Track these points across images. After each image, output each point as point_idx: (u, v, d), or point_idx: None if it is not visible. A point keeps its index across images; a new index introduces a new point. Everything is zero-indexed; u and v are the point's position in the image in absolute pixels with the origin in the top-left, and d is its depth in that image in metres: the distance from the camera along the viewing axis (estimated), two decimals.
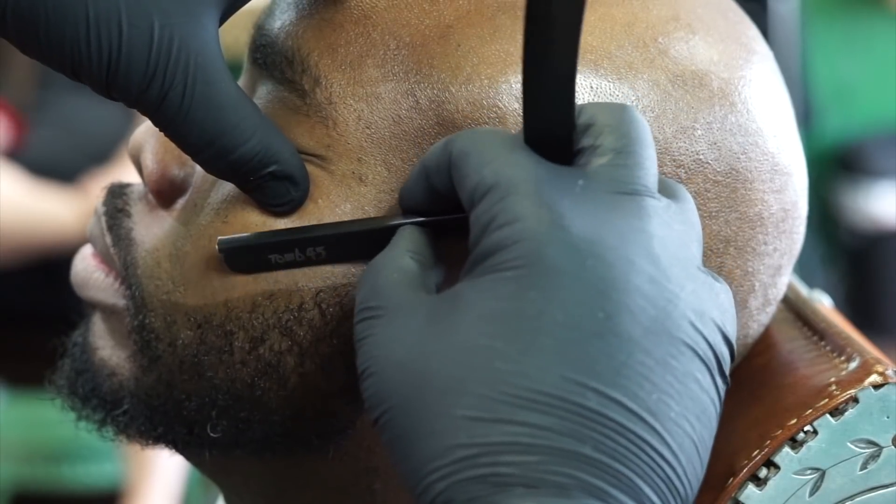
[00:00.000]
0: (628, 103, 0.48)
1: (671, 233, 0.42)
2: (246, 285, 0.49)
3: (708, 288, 0.42)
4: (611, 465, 0.39)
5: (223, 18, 0.47)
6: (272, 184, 0.48)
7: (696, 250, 0.43)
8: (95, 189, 0.53)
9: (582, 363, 0.39)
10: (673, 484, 0.40)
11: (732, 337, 0.43)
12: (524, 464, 0.38)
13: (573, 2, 0.40)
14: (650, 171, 0.42)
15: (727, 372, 0.42)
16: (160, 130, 0.47)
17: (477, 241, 0.42)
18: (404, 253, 0.45)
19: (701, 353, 0.41)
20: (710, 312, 0.41)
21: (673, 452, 0.40)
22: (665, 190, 0.44)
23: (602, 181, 0.42)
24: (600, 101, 0.48)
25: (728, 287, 0.44)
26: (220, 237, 0.49)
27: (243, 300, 0.49)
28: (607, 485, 0.39)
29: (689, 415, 0.40)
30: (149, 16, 0.44)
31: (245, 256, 0.48)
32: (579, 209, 0.41)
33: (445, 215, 0.46)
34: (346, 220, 0.48)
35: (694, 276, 0.42)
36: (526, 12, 0.40)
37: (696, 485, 0.41)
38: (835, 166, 2.88)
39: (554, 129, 0.43)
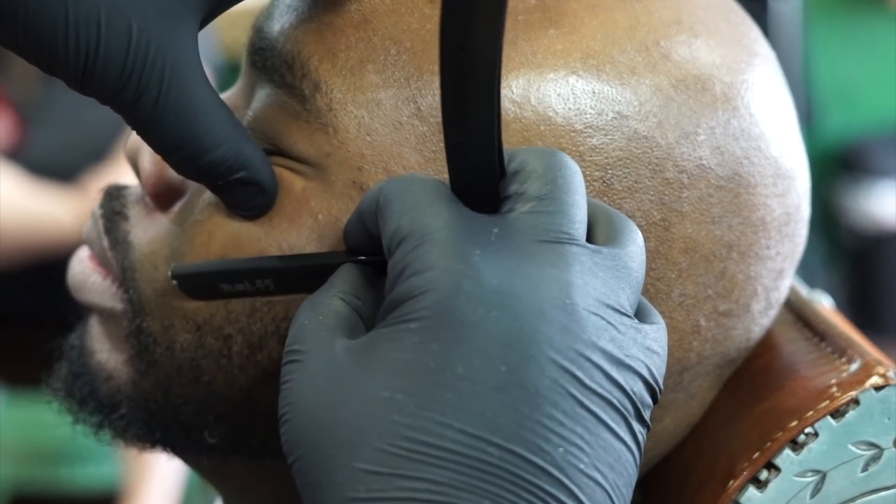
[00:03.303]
0: (631, 108, 0.48)
1: (594, 280, 0.41)
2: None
3: (633, 334, 0.41)
4: None
5: (203, 23, 0.47)
6: (239, 189, 0.48)
7: (625, 297, 0.42)
8: (95, 188, 0.54)
9: (482, 417, 0.38)
10: None
11: (658, 379, 0.42)
12: None
13: (488, 56, 0.39)
14: (575, 218, 0.42)
15: (647, 417, 0.42)
16: (132, 129, 0.47)
17: (390, 290, 0.41)
18: (335, 294, 0.44)
19: (616, 402, 0.40)
20: (632, 360, 0.41)
21: None
22: (604, 234, 0.43)
23: (521, 229, 0.41)
24: (602, 105, 0.47)
25: (663, 326, 0.43)
26: (174, 263, 0.49)
27: (242, 303, 0.49)
28: None
29: (600, 465, 0.40)
30: (127, 19, 0.44)
31: (197, 284, 0.49)
32: (491, 259, 0.40)
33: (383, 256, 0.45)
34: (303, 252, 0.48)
35: (617, 324, 0.41)
36: (440, 65, 0.40)
37: None
38: (836, 166, 2.88)
39: (478, 177, 0.42)
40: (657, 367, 0.42)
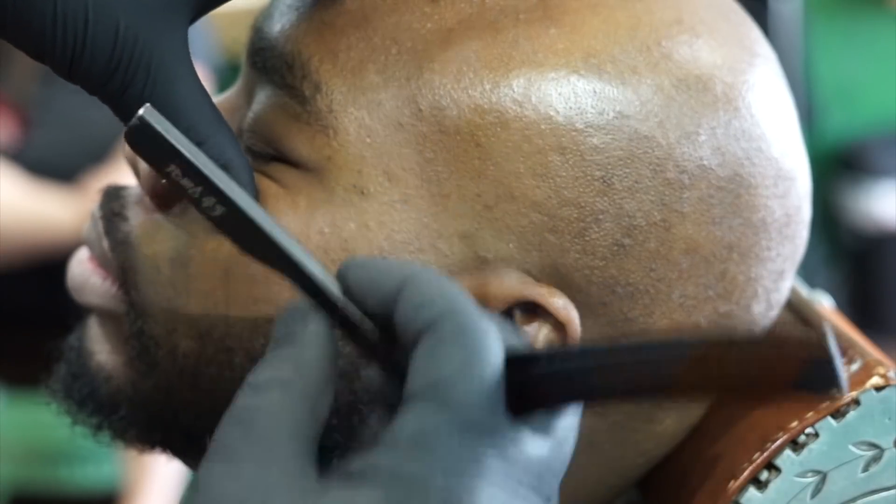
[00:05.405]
0: (632, 108, 0.48)
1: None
2: (246, 305, 0.49)
3: None
4: None
5: (193, 20, 0.47)
6: None
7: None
8: (95, 188, 0.54)
9: None
10: None
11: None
12: None
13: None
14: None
15: None
16: (119, 120, 0.47)
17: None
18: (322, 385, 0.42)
19: None
20: None
21: None
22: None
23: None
24: (603, 104, 0.47)
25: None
26: (146, 105, 0.43)
27: (243, 320, 0.49)
28: None
29: None
30: (114, 15, 0.44)
31: (149, 144, 0.43)
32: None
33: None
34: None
35: None
36: None
37: None
38: (837, 166, 2.88)
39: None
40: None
